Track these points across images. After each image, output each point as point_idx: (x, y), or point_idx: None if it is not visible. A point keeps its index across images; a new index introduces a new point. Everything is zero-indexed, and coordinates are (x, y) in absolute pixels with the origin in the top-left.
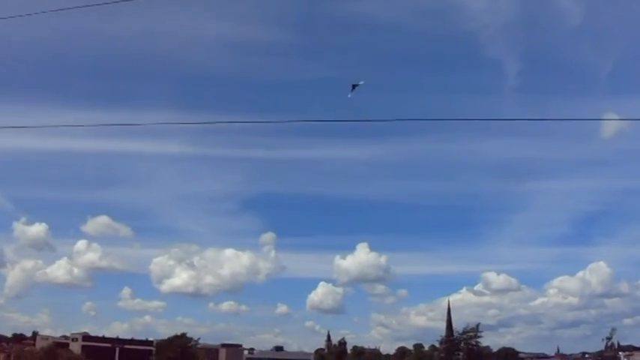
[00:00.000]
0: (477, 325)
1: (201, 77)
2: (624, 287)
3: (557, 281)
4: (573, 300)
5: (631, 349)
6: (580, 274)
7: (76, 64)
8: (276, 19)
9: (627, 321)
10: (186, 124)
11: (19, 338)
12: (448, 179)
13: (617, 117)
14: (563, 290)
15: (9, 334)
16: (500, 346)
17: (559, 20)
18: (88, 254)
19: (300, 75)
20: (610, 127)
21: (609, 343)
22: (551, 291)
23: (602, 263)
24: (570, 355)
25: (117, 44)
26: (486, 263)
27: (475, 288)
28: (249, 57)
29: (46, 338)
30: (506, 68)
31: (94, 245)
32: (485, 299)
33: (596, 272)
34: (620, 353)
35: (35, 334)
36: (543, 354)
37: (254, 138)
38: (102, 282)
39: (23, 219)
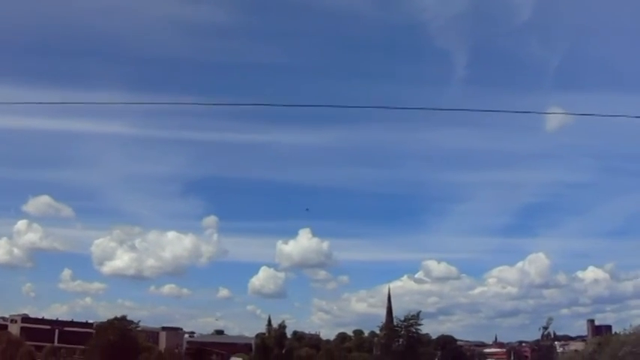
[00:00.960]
0: (418, 313)
1: (150, 58)
2: (562, 278)
3: (496, 271)
4: (512, 290)
5: (567, 338)
6: (519, 264)
7: (20, 41)
8: (229, 1)
9: (564, 311)
10: (132, 103)
11: None
12: (393, 167)
13: (563, 111)
14: (503, 280)
15: None
16: (440, 334)
17: (509, 14)
18: (29, 234)
19: (250, 58)
20: (554, 121)
21: (545, 333)
22: (490, 280)
23: (541, 254)
24: (508, 343)
25: (64, 22)
26: (428, 252)
27: (416, 276)
28: (199, 38)
29: None
30: (454, 59)
31: (35, 225)
32: (426, 287)
33: (535, 263)
34: (556, 343)
35: None
36: (481, 342)
37: (200, 120)
38: (42, 263)
39: None
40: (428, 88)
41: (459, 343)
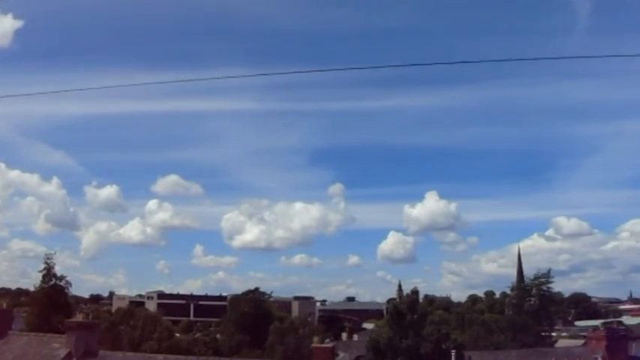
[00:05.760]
0: (548, 271)
1: (267, 31)
2: None
3: (629, 224)
4: None
5: None
6: None
7: (139, 25)
8: None
9: None
10: (251, 76)
11: (96, 299)
12: (518, 124)
13: None
14: (637, 234)
15: (86, 295)
16: (572, 292)
17: None
18: (160, 214)
19: (369, 24)
20: None
21: None
22: (623, 234)
23: None
24: None
25: (181, 3)
26: (558, 208)
27: (546, 233)
28: (313, 7)
29: (122, 298)
30: (577, 9)
31: (165, 204)
32: (557, 245)
33: None
34: None
35: (111, 294)
36: (616, 299)
37: (322, 90)
38: (174, 240)
39: (94, 182)
40: (550, 41)
41: (592, 300)
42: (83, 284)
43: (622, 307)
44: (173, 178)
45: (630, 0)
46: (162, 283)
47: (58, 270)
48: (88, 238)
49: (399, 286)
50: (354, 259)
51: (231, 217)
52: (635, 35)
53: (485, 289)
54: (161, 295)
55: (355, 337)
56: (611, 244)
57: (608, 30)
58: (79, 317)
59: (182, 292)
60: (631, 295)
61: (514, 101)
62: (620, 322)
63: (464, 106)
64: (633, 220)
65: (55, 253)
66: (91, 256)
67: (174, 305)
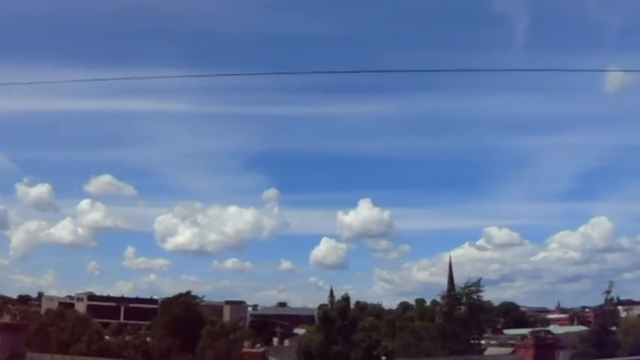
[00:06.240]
0: (479, 280)
1: (206, 34)
2: (625, 242)
3: (559, 236)
4: (575, 255)
5: (630, 303)
6: (582, 229)
7: (76, 22)
8: None
9: (627, 275)
10: (189, 76)
11: (24, 299)
12: (452, 135)
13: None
14: (565, 245)
15: (14, 296)
16: (502, 301)
17: None
18: (92, 214)
19: (308, 30)
20: (615, 83)
21: (608, 297)
22: (552, 245)
23: (603, 218)
24: (571, 309)
25: (120, 2)
26: (489, 218)
27: (477, 243)
28: (254, 12)
29: (52, 299)
30: (515, 24)
31: (98, 205)
32: (487, 254)
33: (598, 227)
34: (620, 307)
35: (40, 295)
36: (544, 308)
37: (258, 95)
38: (106, 241)
39: (26, 180)
40: (489, 54)
41: (521, 309)
42: (11, 284)
43: (550, 316)
44: (106, 178)
45: (567, 17)
46: (93, 284)
47: None
48: (17, 237)
49: (331, 292)
50: (286, 265)
51: (164, 219)
52: (570, 51)
53: (416, 297)
54: (91, 297)
55: (286, 342)
56: (541, 255)
57: (545, 45)
58: (6, 318)
59: (113, 294)
60: (559, 304)
61: (451, 112)
62: (548, 331)
63: (400, 115)
64: (562, 231)
65: None
66: (20, 256)
67: (104, 307)
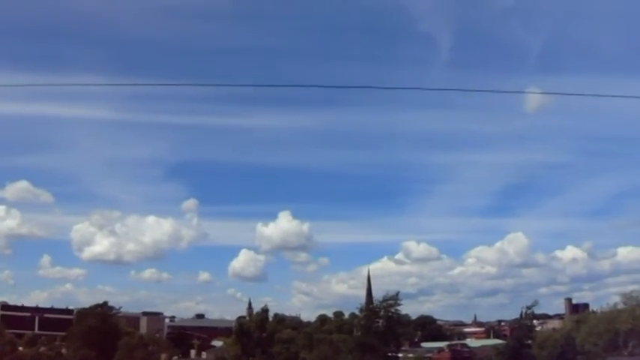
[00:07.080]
0: (397, 294)
1: (129, 41)
2: (541, 258)
3: (475, 251)
4: (491, 269)
5: (545, 317)
6: (498, 244)
7: None
8: None
9: (542, 290)
10: (109, 85)
11: None
12: (372, 149)
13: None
14: (482, 260)
15: None
16: (419, 314)
17: None
18: (7, 221)
19: (230, 42)
20: (534, 103)
21: (529, 312)
22: (470, 260)
23: (520, 234)
24: (487, 322)
25: (40, 4)
26: (408, 233)
27: (396, 257)
28: (179, 22)
29: None
30: (438, 42)
31: (13, 211)
32: (406, 268)
33: (514, 243)
34: (535, 321)
35: None
36: (461, 322)
37: (180, 104)
38: (21, 250)
39: None
40: (411, 71)
41: (438, 322)
42: None
43: (467, 329)
44: (23, 185)
45: (490, 37)
46: (7, 294)
47: None
48: None
49: (249, 304)
50: (204, 276)
51: (81, 228)
52: (493, 70)
53: (334, 310)
54: (5, 307)
55: (204, 354)
56: (458, 270)
57: (467, 64)
58: None
59: (27, 304)
60: (475, 318)
61: (372, 127)
62: (465, 345)
63: (322, 128)
64: (479, 247)
65: None
66: None
67: (18, 317)
